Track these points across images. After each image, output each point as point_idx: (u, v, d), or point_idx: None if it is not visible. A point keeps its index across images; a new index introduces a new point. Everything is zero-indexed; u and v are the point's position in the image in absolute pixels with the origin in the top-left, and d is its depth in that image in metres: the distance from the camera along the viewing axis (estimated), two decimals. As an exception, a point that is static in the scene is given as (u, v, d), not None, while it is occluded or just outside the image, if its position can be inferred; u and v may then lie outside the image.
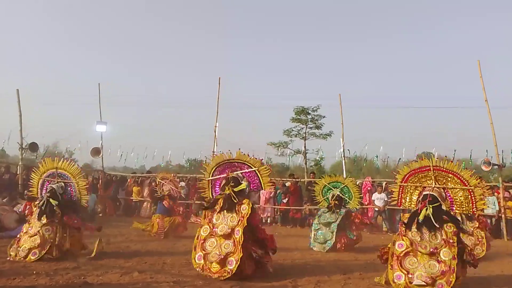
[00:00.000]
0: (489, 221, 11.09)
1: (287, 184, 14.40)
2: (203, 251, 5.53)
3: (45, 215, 6.67)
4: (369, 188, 13.19)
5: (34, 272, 5.47)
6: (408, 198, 5.67)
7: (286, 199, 13.44)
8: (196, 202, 14.41)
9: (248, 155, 6.42)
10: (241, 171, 6.29)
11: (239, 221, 5.52)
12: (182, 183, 14.65)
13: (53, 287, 4.82)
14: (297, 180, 14.51)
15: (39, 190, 7.31)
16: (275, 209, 13.92)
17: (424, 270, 4.70)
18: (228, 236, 5.48)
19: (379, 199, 12.45)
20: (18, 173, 13.28)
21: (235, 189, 5.81)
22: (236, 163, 6.43)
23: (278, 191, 13.94)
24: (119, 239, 8.94)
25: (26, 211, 9.70)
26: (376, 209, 12.48)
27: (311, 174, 15.48)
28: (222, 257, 5.35)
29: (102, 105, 15.83)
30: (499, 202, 11.09)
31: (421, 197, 5.28)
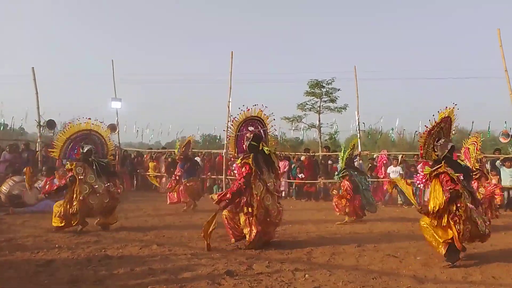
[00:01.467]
0: (506, 193, 10.97)
1: (302, 158, 14.40)
2: (265, 209, 5.67)
3: (104, 175, 7.02)
4: (384, 162, 13.11)
5: (57, 246, 5.66)
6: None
7: (301, 174, 13.46)
8: (211, 177, 14.58)
9: (261, 110, 6.50)
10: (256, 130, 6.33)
11: (275, 175, 6.01)
12: (197, 158, 14.79)
13: (74, 260, 4.97)
14: (312, 154, 14.48)
15: (64, 151, 7.28)
16: (289, 183, 13.98)
17: None
18: (276, 190, 5.92)
19: (394, 172, 12.39)
20: (37, 150, 13.53)
21: (264, 148, 5.93)
22: (254, 120, 6.46)
23: (292, 165, 13.96)
24: (136, 214, 9.14)
25: (47, 187, 9.94)
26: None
27: (325, 149, 15.43)
28: (280, 209, 5.91)
29: (117, 82, 15.91)
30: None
31: (448, 147, 5.16)
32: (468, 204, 4.83)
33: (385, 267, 4.88)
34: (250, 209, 5.60)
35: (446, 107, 5.32)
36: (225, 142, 14.60)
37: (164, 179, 14.90)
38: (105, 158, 7.42)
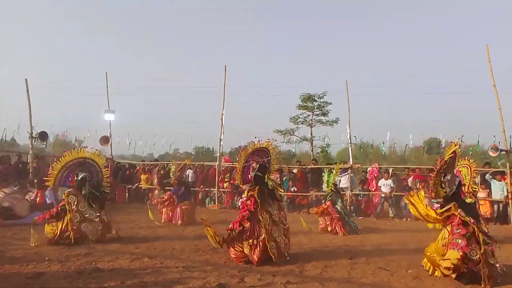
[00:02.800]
0: (496, 206, 11.08)
1: (294, 171, 14.42)
2: (274, 242, 5.64)
3: (97, 203, 7.15)
4: (375, 175, 13.18)
5: (47, 259, 5.61)
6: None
7: (294, 187, 13.49)
8: (203, 189, 14.54)
9: (269, 141, 6.62)
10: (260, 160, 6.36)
11: (278, 207, 5.96)
12: (190, 171, 14.76)
13: (65, 273, 4.93)
14: (303, 167, 14.53)
15: (59, 179, 7.34)
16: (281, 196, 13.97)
17: None
18: (280, 222, 5.87)
19: (385, 185, 12.46)
20: (28, 162, 13.43)
21: (269, 181, 5.96)
22: (261, 150, 6.51)
23: (284, 178, 13.98)
24: (128, 226, 9.08)
25: (38, 199, 9.88)
26: (383, 195, 12.49)
27: (313, 161, 15.54)
28: (286, 242, 5.88)
29: (110, 94, 15.92)
30: (507, 188, 11.02)
31: (456, 183, 5.15)
32: (485, 247, 4.77)
33: (377, 280, 4.91)
34: (254, 241, 5.56)
35: (452, 142, 5.31)
36: (218, 154, 14.64)
37: (156, 191, 14.83)
38: (100, 185, 7.51)
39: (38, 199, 10.13)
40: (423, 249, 6.56)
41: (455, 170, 6.90)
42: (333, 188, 9.19)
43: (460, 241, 4.75)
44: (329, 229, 8.81)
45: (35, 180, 11.10)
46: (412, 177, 12.84)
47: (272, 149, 6.58)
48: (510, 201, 10.75)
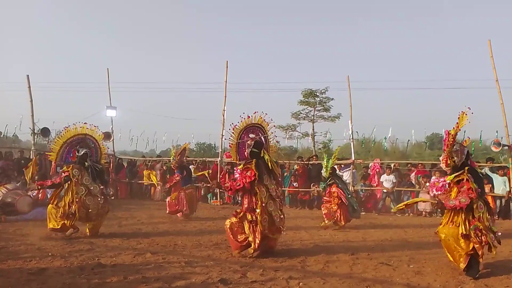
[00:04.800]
0: (499, 201, 11.06)
1: (295, 167, 14.39)
2: (268, 216, 5.68)
3: (99, 177, 7.23)
4: (377, 170, 13.17)
5: (49, 254, 5.62)
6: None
7: (296, 182, 13.47)
8: (205, 185, 14.55)
9: (261, 117, 6.49)
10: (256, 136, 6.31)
11: (276, 182, 5.97)
12: (192, 167, 14.77)
13: (67, 268, 4.94)
14: (306, 162, 14.51)
15: (61, 155, 7.36)
16: (283, 191, 13.97)
17: None
18: (277, 196, 5.89)
19: (387, 180, 12.45)
20: (31, 158, 13.46)
21: (265, 156, 5.93)
22: (255, 127, 6.46)
23: (285, 174, 13.97)
24: (130, 222, 9.10)
25: (40, 195, 9.90)
26: (385, 190, 12.49)
27: (314, 157, 15.54)
28: (282, 217, 5.88)
29: (112, 90, 15.92)
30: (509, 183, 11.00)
31: (465, 153, 5.11)
32: (486, 214, 4.84)
33: (379, 275, 4.90)
34: (253, 217, 5.61)
35: (462, 111, 5.12)
36: (220, 150, 14.64)
37: (158, 187, 14.86)
38: (98, 163, 7.53)
39: (40, 195, 10.14)
40: (425, 244, 6.58)
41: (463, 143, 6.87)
42: (331, 172, 9.06)
43: (463, 200, 4.75)
44: (334, 210, 8.63)
45: (37, 177, 11.11)
46: (414, 172, 12.82)
47: (266, 125, 6.49)
48: (512, 196, 10.73)
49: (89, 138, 7.56)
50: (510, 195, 10.76)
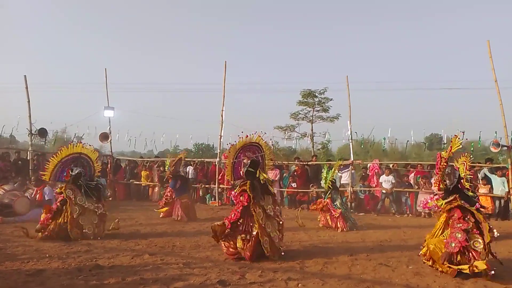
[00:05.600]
0: (497, 202, 11.06)
1: (293, 168, 14.35)
2: (268, 237, 5.59)
3: (94, 197, 7.22)
4: (376, 171, 13.16)
5: (47, 255, 5.60)
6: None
7: (294, 183, 13.45)
8: (203, 186, 14.52)
9: (260, 136, 6.50)
10: (254, 155, 6.28)
11: (273, 201, 5.89)
12: (190, 167, 14.74)
13: (65, 269, 4.92)
14: (305, 163, 14.49)
15: (54, 174, 7.38)
16: (281, 192, 13.94)
17: None
18: (275, 216, 5.83)
19: (386, 181, 12.43)
20: (28, 158, 13.42)
21: (261, 176, 5.88)
22: (253, 146, 6.44)
23: (284, 175, 13.96)
24: (128, 223, 9.07)
25: (37, 196, 9.87)
26: (384, 191, 12.48)
27: (313, 158, 15.53)
28: (281, 236, 5.85)
29: (109, 90, 15.84)
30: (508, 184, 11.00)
31: (456, 176, 5.15)
32: (491, 234, 4.85)
33: (378, 276, 4.89)
34: (247, 236, 5.54)
35: (455, 135, 5.24)
36: (218, 151, 14.61)
37: (156, 188, 14.82)
38: (92, 179, 7.58)
39: (37, 196, 10.10)
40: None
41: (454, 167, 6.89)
42: (330, 185, 9.13)
43: (459, 235, 4.77)
44: (330, 223, 8.79)
45: (33, 178, 11.08)
46: (413, 173, 12.81)
47: (264, 144, 6.50)
48: (511, 197, 10.73)
49: (83, 157, 7.59)
50: (509, 196, 10.76)
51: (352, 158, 13.33)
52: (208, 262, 5.42)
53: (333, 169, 9.35)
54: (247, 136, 6.41)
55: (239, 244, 5.56)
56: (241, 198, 5.61)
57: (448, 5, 71.17)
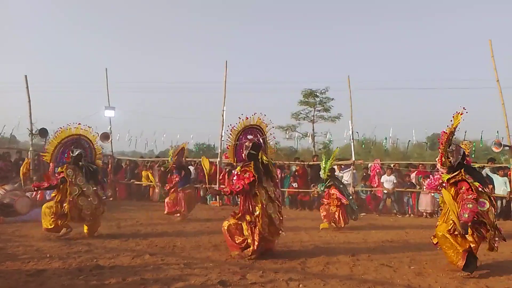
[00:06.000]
0: (499, 202, 11.02)
1: (293, 168, 14.32)
2: (268, 218, 5.64)
3: (93, 178, 7.20)
4: (378, 171, 13.13)
5: (48, 255, 5.58)
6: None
7: (295, 183, 13.43)
8: (203, 186, 14.49)
9: (260, 118, 6.41)
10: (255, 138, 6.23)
11: (274, 184, 5.93)
12: (191, 167, 14.71)
13: (65, 270, 4.90)
14: (305, 163, 14.47)
15: (55, 156, 7.35)
16: (282, 192, 13.91)
17: None
18: (276, 198, 5.84)
19: (388, 181, 12.41)
20: (29, 158, 13.41)
21: (263, 158, 5.90)
22: (253, 128, 6.37)
23: (285, 174, 13.94)
24: (129, 223, 9.06)
25: (38, 196, 9.86)
26: (385, 191, 12.45)
27: (314, 158, 15.50)
28: (281, 218, 5.86)
29: (110, 90, 15.85)
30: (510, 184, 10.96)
31: (461, 153, 5.10)
32: (492, 210, 4.83)
33: (379, 276, 4.86)
34: (252, 218, 5.60)
35: (457, 112, 5.09)
36: (219, 151, 14.59)
37: (157, 189, 14.81)
38: (93, 163, 7.53)
39: (38, 195, 10.10)
40: (426, 245, 6.54)
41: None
42: (329, 173, 9.02)
43: (470, 205, 4.69)
44: (333, 211, 8.65)
45: (34, 178, 11.09)
46: (415, 172, 12.78)
47: (265, 126, 6.44)
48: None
49: (83, 139, 7.56)
50: (511, 196, 10.73)
51: (353, 158, 13.30)
52: (208, 262, 5.40)
53: (331, 157, 9.27)
54: (247, 118, 6.34)
55: (245, 229, 5.62)
56: (245, 175, 5.63)
57: (448, 5, 71.06)
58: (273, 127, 6.60)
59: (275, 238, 5.83)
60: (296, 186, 13.37)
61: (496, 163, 12.06)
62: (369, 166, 13.94)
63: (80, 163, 7.15)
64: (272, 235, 5.73)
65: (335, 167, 13.14)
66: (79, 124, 7.55)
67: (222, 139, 14.19)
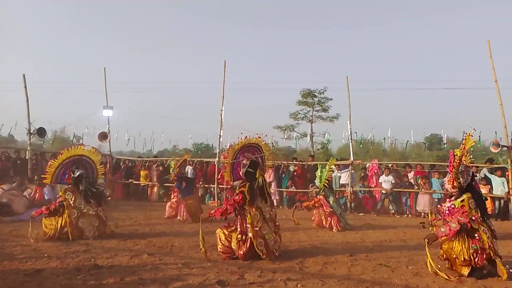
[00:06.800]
0: (497, 203, 11.05)
1: (292, 168, 14.31)
2: (263, 239, 5.55)
3: (94, 200, 7.16)
4: (376, 171, 13.14)
5: (45, 255, 5.58)
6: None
7: (293, 187, 13.44)
8: (203, 186, 14.50)
9: (260, 137, 6.47)
10: (253, 156, 6.24)
11: (270, 204, 5.86)
12: (189, 167, 14.72)
13: (63, 269, 4.89)
14: (304, 163, 14.48)
15: (55, 177, 7.35)
16: (281, 192, 13.92)
17: None
18: (271, 219, 5.75)
19: (386, 181, 12.42)
20: (27, 158, 13.39)
21: (260, 178, 5.84)
22: (252, 147, 6.41)
23: (283, 175, 13.94)
24: (127, 223, 9.05)
25: (36, 196, 9.85)
26: (383, 191, 12.46)
27: (310, 157, 15.50)
28: (277, 239, 5.75)
29: (108, 90, 15.81)
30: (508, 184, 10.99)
31: (470, 174, 5.05)
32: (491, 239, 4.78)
33: (377, 276, 4.86)
34: (243, 237, 5.52)
35: (468, 133, 5.16)
36: (218, 151, 14.59)
37: (155, 188, 14.79)
38: (94, 182, 7.56)
39: (36, 195, 10.09)
40: (424, 245, 6.53)
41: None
42: (326, 184, 9.06)
43: (454, 225, 4.70)
44: (324, 223, 8.73)
45: (36, 177, 11.06)
46: (413, 172, 12.80)
47: (264, 145, 6.47)
48: (511, 197, 10.73)
49: (85, 159, 7.55)
50: (509, 196, 10.75)
51: (351, 158, 13.31)
52: (207, 262, 5.39)
53: (327, 167, 9.29)
54: (246, 137, 6.38)
55: (234, 244, 5.55)
56: (236, 197, 5.58)
57: (448, 5, 71.19)
58: (273, 145, 6.60)
59: (270, 258, 5.57)
60: (294, 189, 13.39)
61: (494, 163, 12.08)
62: (367, 166, 13.96)
63: (81, 185, 7.12)
64: (268, 256, 5.56)
65: (334, 172, 13.16)
66: (82, 144, 7.62)
67: (221, 139, 14.18)
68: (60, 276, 4.58)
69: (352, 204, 12.59)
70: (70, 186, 7.12)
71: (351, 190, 12.62)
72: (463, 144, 5.09)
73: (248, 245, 5.47)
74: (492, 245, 4.75)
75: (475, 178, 5.28)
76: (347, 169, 13.12)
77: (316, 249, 6.50)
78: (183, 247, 6.40)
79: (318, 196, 9.01)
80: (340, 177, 13.30)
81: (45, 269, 4.89)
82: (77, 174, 7.17)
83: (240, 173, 5.97)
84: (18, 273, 4.69)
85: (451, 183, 5.12)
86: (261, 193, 5.75)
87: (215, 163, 14.18)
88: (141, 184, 15.27)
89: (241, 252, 5.48)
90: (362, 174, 13.72)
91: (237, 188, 5.77)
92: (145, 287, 4.23)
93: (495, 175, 11.23)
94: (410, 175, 12.76)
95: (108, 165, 15.23)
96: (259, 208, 5.62)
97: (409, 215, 11.95)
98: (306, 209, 9.36)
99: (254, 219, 5.52)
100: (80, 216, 6.90)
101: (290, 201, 13.52)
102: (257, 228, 5.52)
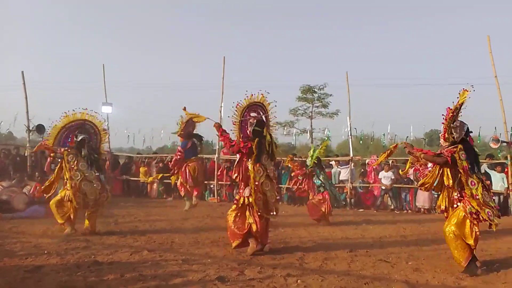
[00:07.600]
0: (497, 198, 11.04)
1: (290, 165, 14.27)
2: (263, 195, 5.64)
3: (95, 167, 7.14)
4: (374, 167, 13.13)
5: (45, 252, 5.58)
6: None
7: (294, 186, 13.42)
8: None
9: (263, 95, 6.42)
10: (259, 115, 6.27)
11: (274, 164, 5.99)
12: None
13: (63, 266, 4.90)
14: (303, 159, 14.45)
15: (58, 140, 7.27)
16: (280, 188, 13.90)
17: None
18: (274, 178, 5.86)
19: (385, 177, 12.41)
20: (26, 155, 13.37)
21: (267, 136, 5.91)
22: (257, 106, 6.38)
23: (283, 171, 13.92)
24: (127, 219, 9.05)
25: (36, 193, 9.84)
26: (383, 187, 12.46)
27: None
28: (277, 198, 5.86)
29: (108, 89, 15.77)
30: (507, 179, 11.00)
31: (464, 129, 5.03)
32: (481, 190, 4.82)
33: (377, 272, 4.87)
34: (249, 199, 5.60)
35: (463, 88, 5.11)
36: (217, 147, 14.58)
37: (155, 184, 14.78)
38: (97, 148, 7.51)
39: (37, 192, 10.08)
40: (424, 241, 6.56)
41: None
42: (316, 161, 9.10)
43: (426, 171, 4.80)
44: (322, 209, 8.75)
45: (37, 174, 11.07)
46: (413, 168, 12.77)
47: (267, 104, 6.43)
48: (511, 193, 10.73)
49: (88, 124, 7.49)
50: (508, 192, 10.76)
51: (351, 154, 13.31)
52: (207, 258, 5.41)
53: (320, 147, 9.30)
54: (252, 95, 6.32)
55: (248, 213, 5.64)
56: (242, 145, 5.67)
57: (448, 5, 71.05)
58: (275, 105, 6.55)
59: (268, 214, 5.73)
60: (295, 188, 13.35)
61: (494, 159, 12.08)
62: (366, 162, 13.95)
63: (83, 149, 7.07)
64: (267, 213, 5.69)
65: (333, 162, 13.19)
66: (86, 109, 7.47)
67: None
68: (60, 273, 4.59)
69: (352, 200, 12.59)
70: (72, 149, 7.05)
71: (351, 186, 12.62)
72: (457, 98, 5.08)
73: (255, 208, 5.58)
74: (483, 199, 4.82)
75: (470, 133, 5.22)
76: (347, 165, 13.11)
77: (316, 245, 6.51)
78: (184, 244, 6.40)
79: (307, 170, 9.14)
80: (340, 173, 13.30)
81: (45, 265, 4.90)
82: (80, 138, 7.09)
83: (248, 131, 5.99)
84: (18, 269, 4.70)
85: (443, 136, 5.17)
86: (267, 151, 5.82)
87: (215, 159, 14.17)
88: (140, 181, 15.24)
89: (257, 220, 5.59)
90: (362, 170, 13.71)
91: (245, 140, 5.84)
92: (145, 284, 4.24)
93: (495, 170, 11.22)
94: (410, 170, 12.72)
95: (107, 161, 15.21)
96: (263, 165, 5.69)
97: (409, 211, 11.95)
98: (298, 192, 9.63)
99: (257, 174, 5.59)
100: (83, 179, 6.88)
101: (291, 197, 13.52)
102: (258, 183, 5.58)
